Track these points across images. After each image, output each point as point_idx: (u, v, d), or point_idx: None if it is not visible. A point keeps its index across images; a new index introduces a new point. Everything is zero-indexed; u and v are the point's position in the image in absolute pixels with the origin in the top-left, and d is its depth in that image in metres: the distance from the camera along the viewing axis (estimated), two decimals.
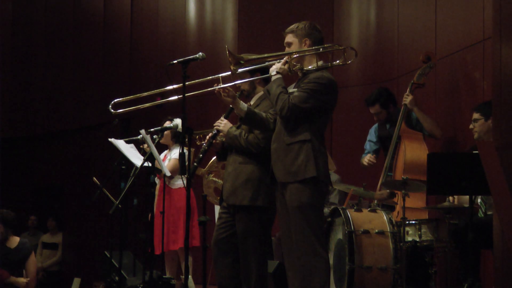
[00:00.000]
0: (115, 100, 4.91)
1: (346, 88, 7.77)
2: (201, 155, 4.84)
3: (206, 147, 4.84)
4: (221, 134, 4.87)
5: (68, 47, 11.49)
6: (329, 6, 8.23)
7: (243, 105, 4.71)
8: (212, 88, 4.85)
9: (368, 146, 6.55)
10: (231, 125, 4.85)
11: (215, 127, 4.87)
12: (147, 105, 4.98)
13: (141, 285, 5.82)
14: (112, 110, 4.89)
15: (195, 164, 4.83)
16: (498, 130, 4.03)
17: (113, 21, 10.86)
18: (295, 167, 4.43)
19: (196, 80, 4.80)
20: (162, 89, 4.90)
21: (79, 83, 11.30)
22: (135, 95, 5.01)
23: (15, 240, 7.08)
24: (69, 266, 11.01)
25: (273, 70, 4.56)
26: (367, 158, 6.40)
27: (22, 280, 6.93)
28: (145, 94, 4.90)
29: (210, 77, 4.86)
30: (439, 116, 6.40)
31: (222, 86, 4.62)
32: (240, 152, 4.80)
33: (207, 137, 4.89)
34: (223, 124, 4.85)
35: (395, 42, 7.47)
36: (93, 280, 8.62)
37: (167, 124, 6.59)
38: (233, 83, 4.68)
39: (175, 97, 4.75)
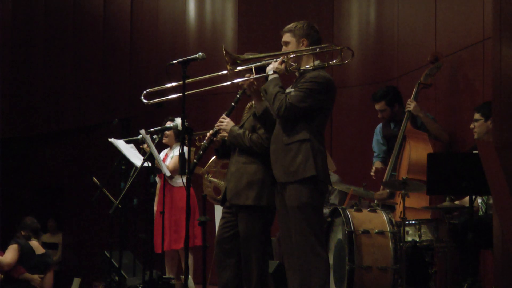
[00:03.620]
0: (148, 90, 4.86)
1: (346, 88, 7.77)
2: (201, 152, 4.82)
3: (206, 144, 4.82)
4: (222, 132, 4.85)
5: (68, 47, 11.49)
6: (329, 6, 8.23)
7: (264, 102, 4.70)
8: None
9: (376, 148, 6.53)
10: (233, 123, 4.83)
11: (217, 126, 4.85)
12: (174, 96, 4.88)
13: (141, 285, 5.82)
14: (145, 101, 4.83)
15: (194, 161, 4.81)
16: (498, 130, 4.03)
17: (113, 21, 10.86)
18: (294, 167, 4.43)
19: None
20: (195, 78, 4.80)
21: (79, 83, 11.30)
22: (163, 86, 4.94)
23: (40, 249, 7.64)
24: (69, 266, 11.01)
25: (270, 70, 4.55)
26: (374, 168, 6.35)
27: (36, 277, 7.28)
28: (176, 84, 4.79)
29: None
30: (439, 116, 6.40)
31: (255, 76, 4.59)
32: (243, 152, 4.78)
33: (208, 134, 4.87)
34: (225, 122, 4.83)
35: (395, 42, 7.46)
36: (93, 280, 8.62)
37: (168, 124, 6.60)
38: (257, 77, 4.62)
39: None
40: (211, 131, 4.86)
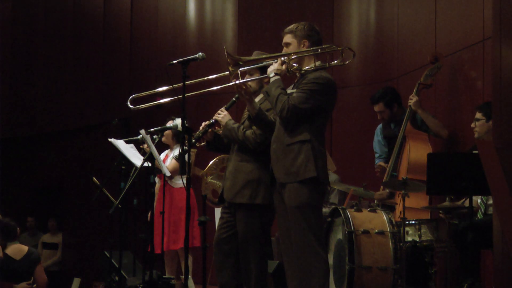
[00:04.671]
0: (133, 96, 4.86)
1: (346, 88, 7.78)
2: (193, 141, 4.79)
3: (200, 134, 4.81)
4: (216, 127, 4.85)
5: (68, 47, 11.48)
6: (329, 6, 8.23)
7: (257, 104, 4.70)
8: (222, 86, 4.86)
9: (378, 148, 6.53)
10: (230, 117, 4.83)
11: (214, 117, 4.85)
12: (166, 100, 4.89)
13: (141, 285, 5.82)
14: (131, 106, 4.83)
15: (185, 148, 4.76)
16: (498, 130, 4.03)
17: (113, 21, 10.86)
18: (295, 168, 4.43)
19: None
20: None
21: (79, 83, 11.30)
22: (153, 90, 4.95)
23: (21, 250, 6.74)
24: (69, 266, 11.01)
25: (271, 72, 4.56)
26: (378, 166, 6.37)
27: (24, 285, 6.74)
28: (165, 89, 4.79)
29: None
30: (439, 116, 6.40)
31: (242, 81, 4.59)
32: (240, 151, 4.79)
33: (203, 124, 4.86)
34: (222, 115, 4.83)
35: (395, 42, 7.47)
36: (93, 280, 8.62)
37: (169, 123, 6.60)
38: (244, 81, 4.64)
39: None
40: (207, 122, 4.85)
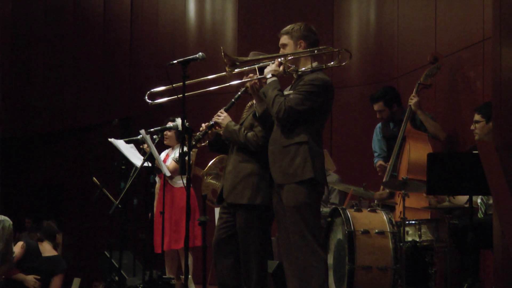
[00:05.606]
0: (152, 90, 4.84)
1: (346, 88, 7.78)
2: (194, 143, 4.79)
3: (200, 136, 4.80)
4: (217, 127, 4.84)
5: (68, 47, 11.49)
6: (329, 6, 8.23)
7: (264, 104, 4.69)
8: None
9: (377, 147, 6.52)
10: (230, 119, 4.83)
11: (214, 119, 4.85)
12: (175, 97, 4.87)
13: (141, 285, 5.82)
14: (149, 101, 4.82)
15: (186, 150, 4.76)
16: (498, 130, 4.03)
17: (113, 21, 10.86)
18: (293, 169, 4.43)
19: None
20: (197, 80, 4.81)
21: (79, 83, 11.30)
22: (169, 85, 4.94)
23: (51, 252, 7.40)
24: (69, 266, 11.00)
25: (268, 73, 4.55)
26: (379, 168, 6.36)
27: (31, 278, 7.02)
28: (181, 83, 4.77)
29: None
30: (439, 116, 6.40)
31: (258, 77, 4.59)
32: (240, 151, 4.79)
33: (203, 125, 4.86)
34: (222, 116, 4.83)
35: (395, 42, 7.47)
36: (93, 280, 8.62)
37: (169, 124, 6.59)
38: (259, 77, 4.62)
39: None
40: (207, 124, 4.85)
